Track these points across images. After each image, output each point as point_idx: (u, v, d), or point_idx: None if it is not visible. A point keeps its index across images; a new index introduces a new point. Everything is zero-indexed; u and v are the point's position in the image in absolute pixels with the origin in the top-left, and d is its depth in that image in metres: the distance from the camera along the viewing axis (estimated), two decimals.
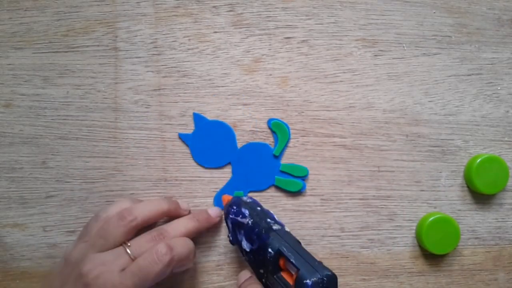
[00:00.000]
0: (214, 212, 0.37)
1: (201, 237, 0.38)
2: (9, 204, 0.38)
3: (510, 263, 0.40)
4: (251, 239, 0.32)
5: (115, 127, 0.38)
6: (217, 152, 0.38)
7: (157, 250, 0.31)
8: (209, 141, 0.38)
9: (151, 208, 0.34)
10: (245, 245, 0.33)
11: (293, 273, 0.29)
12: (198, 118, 0.38)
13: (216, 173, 0.38)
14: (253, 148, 0.38)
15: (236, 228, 0.34)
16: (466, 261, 0.39)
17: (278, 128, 0.38)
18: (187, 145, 0.38)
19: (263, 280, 0.32)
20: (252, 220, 0.33)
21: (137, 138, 0.38)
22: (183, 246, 0.33)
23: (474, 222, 0.40)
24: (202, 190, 0.38)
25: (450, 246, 0.38)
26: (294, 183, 0.38)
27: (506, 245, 0.40)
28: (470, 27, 0.40)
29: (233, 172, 0.38)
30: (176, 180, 0.38)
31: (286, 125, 0.38)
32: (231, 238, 0.35)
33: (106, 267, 0.30)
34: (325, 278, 0.28)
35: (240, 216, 0.33)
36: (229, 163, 0.38)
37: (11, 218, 0.38)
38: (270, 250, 0.31)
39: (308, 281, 0.27)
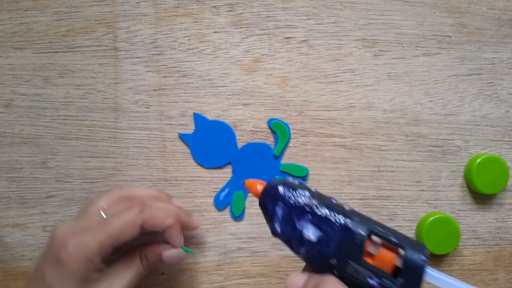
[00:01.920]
0: (196, 221, 0.36)
1: (200, 237, 0.38)
2: (9, 204, 0.38)
3: (510, 263, 0.40)
4: (323, 224, 0.26)
5: (115, 127, 0.38)
6: (217, 152, 0.38)
7: (129, 208, 0.31)
8: (209, 141, 0.38)
9: (140, 188, 0.34)
10: (311, 233, 0.27)
11: (390, 254, 0.26)
12: (198, 118, 0.38)
13: (216, 173, 0.38)
14: (253, 148, 0.38)
15: (293, 215, 0.27)
16: (466, 261, 0.39)
17: (278, 128, 0.38)
18: (187, 145, 0.38)
19: (335, 272, 0.26)
20: (318, 201, 0.27)
21: (137, 138, 0.38)
22: (159, 209, 0.32)
23: (474, 222, 0.40)
24: (202, 190, 0.38)
25: (450, 246, 0.38)
26: None
27: (506, 245, 0.40)
28: (470, 27, 0.40)
29: (233, 172, 0.38)
30: (176, 180, 0.38)
31: (286, 125, 0.38)
32: (278, 229, 0.28)
33: (76, 227, 0.30)
34: (427, 253, 0.25)
35: (302, 198, 0.27)
36: (229, 163, 0.38)
37: (12, 218, 0.38)
38: (360, 231, 0.26)
39: (422, 257, 0.25)
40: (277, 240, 0.38)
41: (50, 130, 0.38)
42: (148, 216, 0.31)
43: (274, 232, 0.29)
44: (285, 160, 0.39)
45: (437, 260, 0.39)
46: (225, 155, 0.38)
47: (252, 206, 0.38)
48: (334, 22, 0.39)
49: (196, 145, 0.38)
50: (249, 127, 0.39)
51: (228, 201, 0.38)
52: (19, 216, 0.38)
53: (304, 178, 0.38)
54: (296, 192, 0.27)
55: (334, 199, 0.28)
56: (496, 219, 0.40)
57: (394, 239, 0.26)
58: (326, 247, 0.27)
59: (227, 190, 0.38)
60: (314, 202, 0.27)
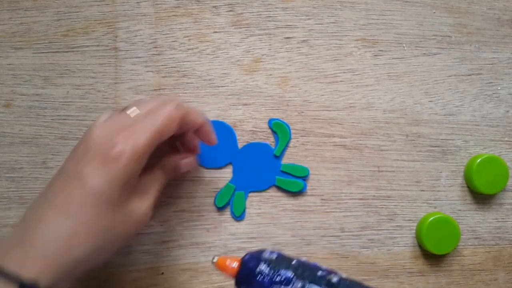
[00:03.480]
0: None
1: (200, 237, 0.38)
2: (9, 204, 0.38)
3: (510, 263, 0.40)
4: None
5: None
6: (217, 152, 0.38)
7: (164, 104, 0.30)
8: None
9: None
10: None
11: None
12: None
13: (216, 173, 0.38)
14: (254, 148, 0.38)
15: None
16: (466, 261, 0.39)
17: (278, 128, 0.38)
18: None
19: None
20: (302, 282, 0.25)
21: None
22: (192, 107, 0.32)
23: (474, 222, 0.40)
24: (202, 190, 0.38)
25: (450, 246, 0.38)
26: (295, 183, 0.38)
27: (506, 245, 0.40)
28: (470, 27, 0.40)
29: (233, 172, 0.38)
30: (177, 179, 0.38)
31: (286, 125, 0.38)
32: None
33: (117, 126, 0.28)
34: None
35: (285, 282, 0.25)
36: (230, 163, 0.38)
37: (11, 218, 0.38)
38: None
39: None
40: (277, 240, 0.38)
41: (50, 130, 0.38)
42: (186, 111, 0.30)
43: None
44: (285, 160, 0.39)
45: (437, 260, 0.39)
46: (225, 156, 0.38)
47: (252, 206, 0.38)
48: (334, 22, 0.39)
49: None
50: (249, 127, 0.39)
51: (228, 201, 0.38)
52: (19, 216, 0.38)
53: (305, 178, 0.38)
54: (276, 276, 0.25)
55: (321, 269, 0.26)
56: (496, 219, 0.40)
57: None
58: None
59: (227, 189, 0.38)
60: (299, 285, 0.25)
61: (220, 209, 0.38)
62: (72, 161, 0.29)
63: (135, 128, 0.28)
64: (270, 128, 0.38)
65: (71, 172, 0.28)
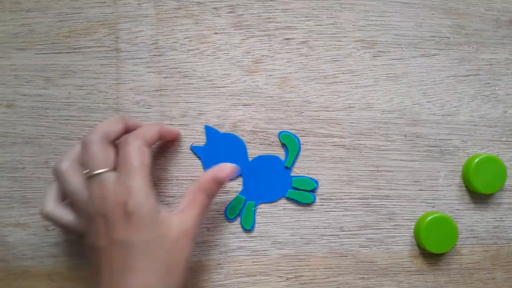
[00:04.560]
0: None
1: (201, 236, 0.38)
2: (11, 203, 0.38)
3: (508, 262, 0.40)
4: None
5: None
6: None
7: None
8: (220, 153, 0.38)
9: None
10: None
11: None
12: (210, 131, 0.38)
13: (226, 185, 0.39)
14: (264, 160, 0.38)
15: None
16: (465, 260, 0.40)
17: (287, 140, 0.38)
18: (199, 157, 0.38)
19: None
20: None
21: None
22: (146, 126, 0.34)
23: (472, 221, 0.40)
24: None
25: (448, 245, 0.38)
26: (305, 196, 0.38)
27: (504, 244, 0.40)
28: (468, 28, 0.40)
29: (244, 184, 0.38)
30: (177, 179, 0.38)
31: (296, 137, 0.38)
32: None
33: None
34: None
35: None
36: (241, 175, 0.38)
37: (13, 217, 0.38)
38: None
39: None
40: (277, 239, 0.39)
41: (52, 130, 0.38)
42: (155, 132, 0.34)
43: None
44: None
45: (435, 259, 0.39)
46: None
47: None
48: (333, 24, 0.40)
49: (208, 158, 0.38)
50: (249, 127, 0.39)
51: (239, 212, 0.38)
52: (21, 216, 0.38)
53: (313, 190, 0.38)
54: None
55: None
56: (494, 218, 0.40)
57: None
58: None
59: (237, 201, 0.38)
60: None
61: (231, 220, 0.38)
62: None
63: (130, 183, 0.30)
64: (280, 140, 0.38)
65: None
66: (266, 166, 0.38)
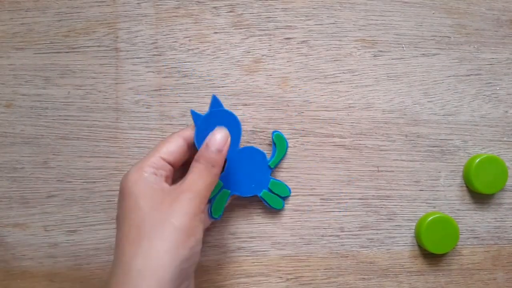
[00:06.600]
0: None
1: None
2: (10, 204, 0.38)
3: (509, 263, 0.40)
4: None
5: (116, 127, 0.38)
6: None
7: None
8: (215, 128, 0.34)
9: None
10: None
11: None
12: (215, 102, 0.35)
13: None
14: (252, 153, 0.37)
15: None
16: (465, 261, 0.40)
17: (278, 141, 0.38)
18: (195, 124, 0.35)
19: None
20: None
21: (138, 138, 0.38)
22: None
23: (473, 221, 0.40)
24: None
25: (449, 246, 0.38)
26: (276, 200, 0.38)
27: (505, 245, 0.40)
28: (469, 27, 0.40)
29: (225, 169, 0.36)
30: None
31: (286, 140, 0.38)
32: None
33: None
34: None
35: None
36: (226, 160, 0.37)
37: (12, 218, 0.38)
38: None
39: None
40: (277, 240, 0.38)
41: (51, 130, 0.38)
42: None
43: None
44: (284, 160, 0.39)
45: (436, 259, 0.39)
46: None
47: (252, 205, 0.39)
48: (333, 23, 0.40)
49: (202, 129, 0.34)
50: (249, 127, 0.39)
51: (213, 197, 0.36)
52: (20, 216, 0.38)
53: (285, 197, 0.38)
54: None
55: None
56: (495, 218, 0.40)
57: None
58: None
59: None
60: None
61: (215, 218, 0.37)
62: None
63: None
64: (272, 138, 0.38)
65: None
66: (251, 159, 0.37)
